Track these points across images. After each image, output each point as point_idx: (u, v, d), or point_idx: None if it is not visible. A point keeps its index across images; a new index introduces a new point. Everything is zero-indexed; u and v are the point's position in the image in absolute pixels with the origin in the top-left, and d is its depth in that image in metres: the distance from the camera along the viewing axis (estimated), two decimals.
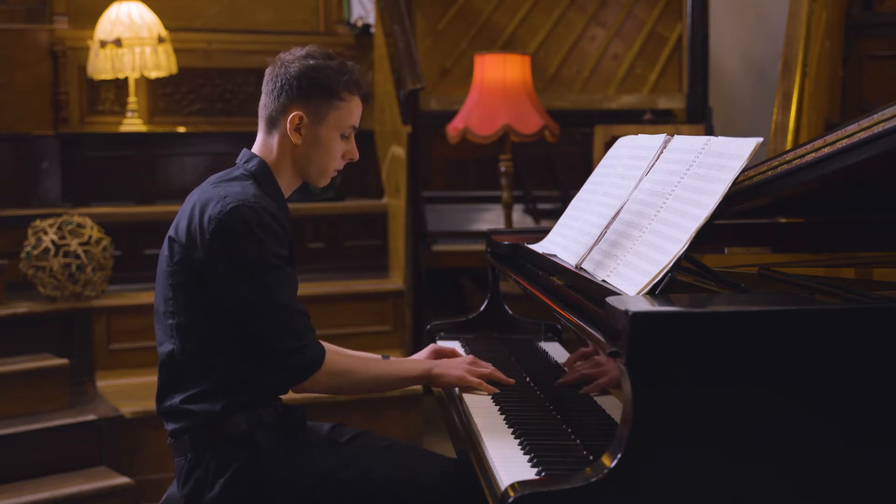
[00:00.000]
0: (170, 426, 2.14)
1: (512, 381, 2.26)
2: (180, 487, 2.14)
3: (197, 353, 2.10)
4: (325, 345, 2.41)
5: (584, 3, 6.03)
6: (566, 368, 2.31)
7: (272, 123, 2.20)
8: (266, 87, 2.20)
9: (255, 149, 2.23)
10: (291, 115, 2.16)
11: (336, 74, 2.17)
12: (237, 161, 2.23)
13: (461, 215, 5.58)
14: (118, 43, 5.10)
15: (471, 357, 2.31)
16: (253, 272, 2.04)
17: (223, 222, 2.04)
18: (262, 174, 2.18)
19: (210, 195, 2.11)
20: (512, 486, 1.54)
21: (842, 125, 1.89)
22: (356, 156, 2.27)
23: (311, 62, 2.16)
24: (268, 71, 2.21)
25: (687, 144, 1.98)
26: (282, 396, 2.21)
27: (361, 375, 2.19)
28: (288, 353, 2.07)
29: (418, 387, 3.90)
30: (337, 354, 2.19)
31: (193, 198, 2.16)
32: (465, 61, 5.78)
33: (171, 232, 2.15)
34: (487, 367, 2.26)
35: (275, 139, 2.20)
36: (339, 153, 2.22)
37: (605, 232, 2.03)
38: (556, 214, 3.36)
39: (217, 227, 2.05)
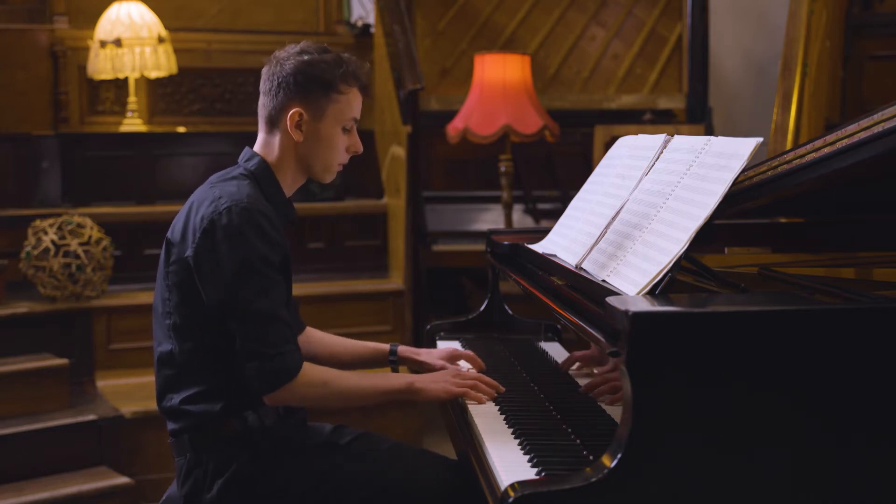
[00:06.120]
0: (170, 425, 2.15)
1: (496, 391, 2.17)
2: (179, 487, 2.14)
3: (194, 353, 2.09)
4: (315, 334, 2.40)
5: (584, 3, 6.02)
6: (568, 371, 2.29)
7: (272, 122, 2.18)
8: (263, 87, 2.18)
9: (257, 148, 2.22)
10: (291, 113, 2.14)
11: (332, 67, 2.15)
12: (238, 159, 2.23)
13: (461, 215, 5.58)
14: (118, 43, 5.10)
15: (454, 370, 2.25)
16: (235, 274, 2.01)
17: (214, 222, 2.03)
18: (262, 173, 2.17)
19: (206, 195, 2.11)
20: (512, 486, 1.54)
21: (842, 125, 1.89)
22: (360, 148, 2.24)
23: (306, 57, 2.14)
24: (264, 70, 2.19)
25: (687, 144, 1.98)
26: None
27: (340, 387, 2.09)
28: (261, 359, 2.01)
29: None
30: (314, 367, 2.09)
31: (192, 199, 2.16)
32: (465, 61, 5.78)
33: (168, 233, 2.14)
34: (471, 381, 2.17)
35: (276, 138, 2.18)
36: (342, 147, 2.20)
37: (605, 232, 2.02)
38: (556, 214, 3.36)
39: (208, 226, 2.04)
